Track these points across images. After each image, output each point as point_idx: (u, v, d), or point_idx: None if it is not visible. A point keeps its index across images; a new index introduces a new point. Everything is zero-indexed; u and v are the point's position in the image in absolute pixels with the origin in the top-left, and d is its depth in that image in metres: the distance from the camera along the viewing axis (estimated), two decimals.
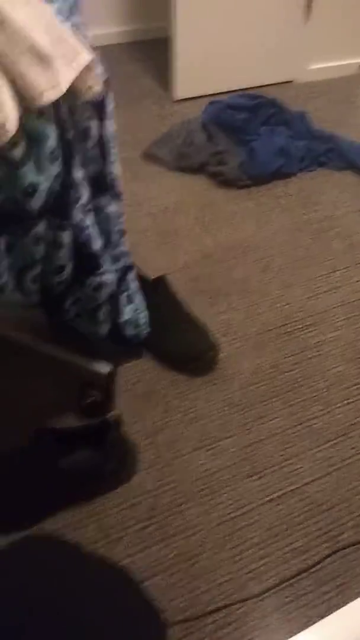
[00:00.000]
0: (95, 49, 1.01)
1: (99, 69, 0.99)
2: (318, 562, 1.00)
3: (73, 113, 0.93)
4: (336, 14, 2.31)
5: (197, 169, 1.85)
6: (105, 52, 2.59)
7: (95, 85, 0.94)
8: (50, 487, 1.00)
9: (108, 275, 1.08)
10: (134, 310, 1.20)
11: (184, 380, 1.27)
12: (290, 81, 2.41)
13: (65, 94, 0.85)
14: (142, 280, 1.29)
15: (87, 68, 0.90)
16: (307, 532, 1.05)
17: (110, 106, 1.05)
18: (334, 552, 1.02)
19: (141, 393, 1.24)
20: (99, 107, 1.00)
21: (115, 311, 1.16)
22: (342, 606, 0.95)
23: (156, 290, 1.32)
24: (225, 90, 2.25)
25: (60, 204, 0.91)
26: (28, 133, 0.80)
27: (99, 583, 0.56)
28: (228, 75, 2.26)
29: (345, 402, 1.25)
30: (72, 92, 0.89)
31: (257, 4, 2.14)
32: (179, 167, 1.86)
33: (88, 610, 0.50)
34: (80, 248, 0.98)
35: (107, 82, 1.04)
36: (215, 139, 1.90)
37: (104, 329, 1.14)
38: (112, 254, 1.12)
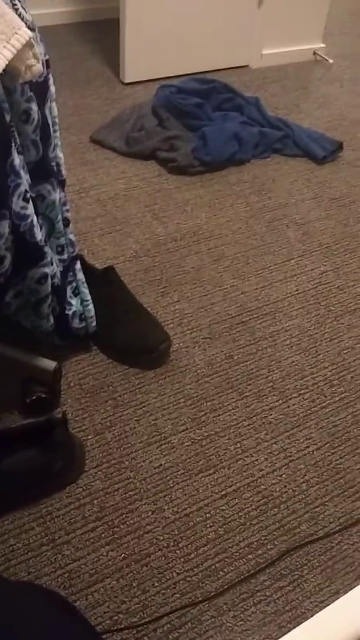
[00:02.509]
0: (41, 29, 0.95)
1: (39, 48, 0.93)
2: (274, 557, 0.99)
3: (11, 94, 0.88)
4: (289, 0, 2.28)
5: (148, 155, 1.80)
6: (53, 32, 2.54)
7: (35, 65, 0.88)
8: None
9: (52, 267, 1.03)
10: (81, 303, 1.15)
11: (135, 374, 1.23)
12: (244, 66, 2.38)
13: (1, 73, 0.79)
14: (90, 270, 1.25)
15: (26, 46, 0.84)
16: (263, 525, 1.03)
17: (52, 88, 1.00)
18: (290, 547, 1.00)
19: (89, 388, 1.19)
20: (39, 89, 0.94)
21: (61, 304, 1.11)
22: (299, 600, 0.94)
23: (105, 281, 1.27)
24: (178, 74, 2.20)
25: None
26: None
27: (22, 610, 0.52)
28: (180, 58, 2.21)
29: (301, 392, 1.23)
30: (9, 72, 0.83)
31: None
32: (129, 152, 1.81)
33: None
34: (21, 238, 0.93)
35: (48, 62, 0.99)
36: (167, 123, 1.85)
37: (49, 322, 1.09)
38: (56, 243, 1.07)
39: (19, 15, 0.89)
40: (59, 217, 1.06)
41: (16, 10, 0.89)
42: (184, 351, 1.29)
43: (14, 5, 0.89)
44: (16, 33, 0.83)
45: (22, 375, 1.13)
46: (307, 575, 0.97)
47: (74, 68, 2.22)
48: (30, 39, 0.84)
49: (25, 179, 0.91)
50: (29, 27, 0.86)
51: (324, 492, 1.07)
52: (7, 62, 0.81)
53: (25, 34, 0.84)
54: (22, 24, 0.84)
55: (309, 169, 1.86)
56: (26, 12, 0.93)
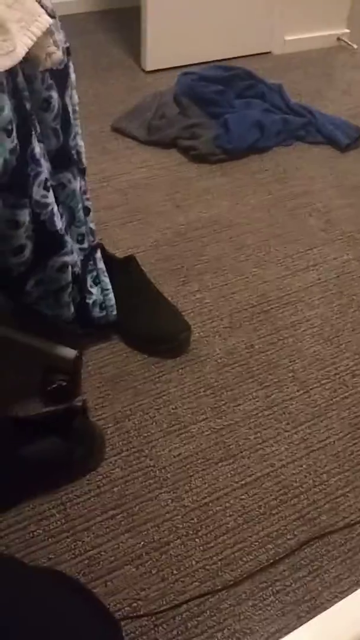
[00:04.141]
0: (63, 18, 0.95)
1: (59, 35, 0.93)
2: (294, 547, 0.98)
3: (31, 82, 0.87)
4: None
5: (169, 143, 1.79)
6: (74, 21, 2.53)
7: (55, 53, 0.88)
8: (13, 477, 0.96)
9: (72, 255, 1.03)
10: (101, 292, 1.15)
11: (155, 363, 1.23)
12: (267, 52, 2.35)
13: (22, 61, 0.79)
14: (110, 259, 1.25)
15: (47, 33, 0.84)
16: (282, 515, 1.02)
17: (72, 75, 0.99)
18: (310, 537, 0.99)
19: (110, 377, 1.19)
20: (60, 77, 0.94)
21: (81, 293, 1.11)
22: (319, 591, 0.93)
23: (125, 270, 1.27)
24: (199, 61, 2.18)
25: (17, 180, 0.85)
26: None
27: (38, 595, 0.52)
28: (202, 45, 2.19)
29: (322, 382, 1.22)
30: (29, 59, 0.83)
31: None
32: (150, 141, 1.80)
33: (32, 625, 0.46)
34: (41, 227, 0.93)
35: (68, 50, 0.98)
36: (188, 111, 1.84)
37: (69, 311, 1.09)
38: (77, 232, 1.07)
39: (39, 2, 0.88)
40: (80, 205, 1.06)
41: None
42: (204, 340, 1.28)
43: None
44: (36, 20, 0.83)
45: (43, 363, 1.14)
46: (327, 566, 0.96)
47: (95, 56, 2.22)
48: (50, 26, 0.84)
49: (45, 167, 0.91)
50: (49, 15, 0.85)
51: (344, 483, 1.07)
52: (27, 50, 0.81)
53: (46, 21, 0.83)
54: (42, 11, 0.84)
55: (332, 157, 1.84)
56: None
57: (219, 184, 1.70)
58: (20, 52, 0.80)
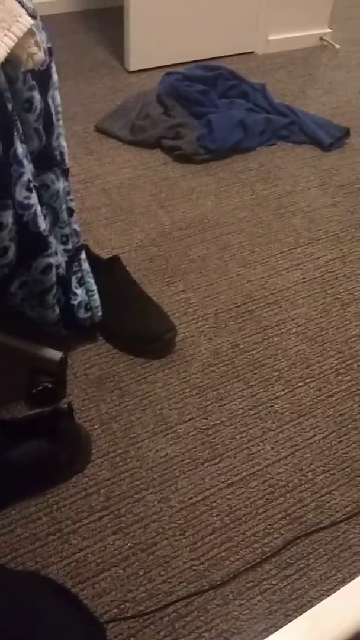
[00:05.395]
0: (45, 18, 0.94)
1: (41, 36, 0.92)
2: (280, 546, 0.99)
3: (13, 83, 0.87)
4: None
5: (153, 143, 1.79)
6: (57, 21, 2.51)
7: (37, 53, 0.88)
8: None
9: (56, 257, 1.03)
10: (86, 293, 1.15)
11: (141, 364, 1.23)
12: (250, 52, 2.35)
13: (3, 62, 0.79)
14: (95, 260, 1.24)
15: (28, 34, 0.84)
16: (269, 514, 1.03)
17: (54, 76, 0.99)
18: (297, 536, 1.00)
19: (95, 378, 1.19)
20: (42, 77, 0.93)
21: (66, 294, 1.11)
22: (306, 589, 0.94)
23: (110, 271, 1.27)
24: (183, 61, 2.18)
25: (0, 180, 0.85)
26: None
27: (20, 599, 0.52)
28: (185, 45, 2.19)
29: (307, 381, 1.23)
30: (11, 60, 0.82)
31: None
32: (134, 141, 1.80)
33: (14, 630, 0.46)
34: (25, 228, 0.93)
35: (50, 50, 0.98)
36: (172, 111, 1.84)
37: (54, 313, 1.08)
38: (60, 233, 1.06)
39: (20, 2, 0.88)
40: (63, 206, 1.05)
41: None
42: (190, 340, 1.28)
43: None
44: (17, 21, 0.82)
45: (28, 365, 1.13)
46: (313, 564, 0.97)
47: (79, 57, 2.21)
48: (31, 26, 0.83)
49: (28, 168, 0.91)
50: (30, 15, 0.84)
51: (330, 481, 1.07)
52: (8, 51, 0.81)
53: (27, 21, 0.83)
54: (23, 11, 0.83)
55: (315, 156, 1.85)
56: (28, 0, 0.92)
57: (203, 183, 1.70)
58: (1, 53, 0.79)
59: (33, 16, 0.89)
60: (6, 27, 0.82)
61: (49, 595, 0.62)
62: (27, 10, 0.86)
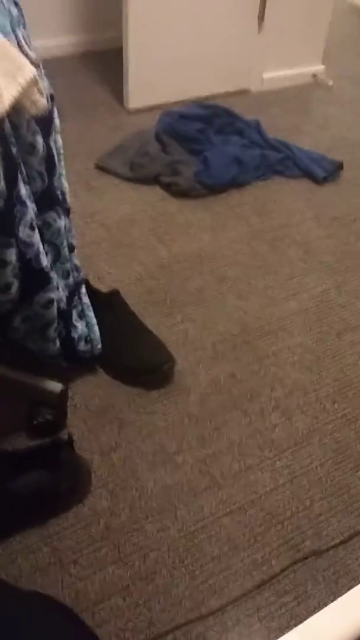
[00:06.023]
0: (47, 60, 0.99)
1: (44, 83, 0.97)
2: (279, 573, 1.00)
3: (17, 129, 0.91)
4: (289, 24, 2.34)
5: (152, 180, 1.85)
6: (58, 63, 2.60)
7: (40, 100, 0.93)
8: (1, 511, 0.98)
9: (58, 292, 1.07)
10: (86, 325, 1.18)
11: (140, 394, 1.25)
12: (245, 90, 2.43)
13: (8, 109, 0.83)
14: (95, 294, 1.28)
15: (31, 83, 0.89)
16: (267, 542, 1.04)
17: (56, 121, 1.04)
18: (295, 562, 1.01)
19: (95, 409, 1.22)
20: (44, 122, 0.98)
21: (67, 327, 1.14)
22: (304, 616, 0.95)
23: (109, 304, 1.30)
24: (180, 99, 2.26)
25: (4, 221, 0.89)
26: None
27: (29, 619, 0.54)
28: (182, 84, 2.26)
29: (303, 409, 1.25)
30: (15, 107, 0.87)
31: (210, 14, 2.16)
32: (133, 177, 1.85)
33: None
34: (28, 265, 0.96)
35: (52, 96, 1.03)
36: (170, 149, 1.90)
37: (55, 346, 1.12)
38: (62, 269, 1.10)
39: (24, 53, 0.93)
40: (65, 243, 1.09)
41: (21, 48, 0.94)
42: (188, 371, 1.31)
43: (19, 43, 0.93)
44: (21, 71, 0.88)
45: (29, 397, 1.16)
46: (311, 591, 0.98)
47: (79, 97, 2.28)
48: (35, 75, 0.89)
49: (31, 208, 0.95)
50: (33, 64, 0.90)
51: (327, 508, 1.09)
52: (13, 100, 0.85)
53: (30, 71, 0.88)
54: (27, 61, 0.88)
55: (309, 189, 1.90)
56: (30, 49, 0.97)
57: (200, 218, 1.75)
58: (7, 102, 0.84)
59: (36, 65, 0.94)
60: (11, 78, 0.87)
61: (50, 610, 0.64)
62: (30, 60, 0.91)
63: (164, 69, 2.19)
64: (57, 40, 2.55)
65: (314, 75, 2.53)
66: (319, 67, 2.54)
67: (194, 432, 1.19)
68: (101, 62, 2.53)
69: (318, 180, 1.92)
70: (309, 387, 1.30)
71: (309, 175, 1.93)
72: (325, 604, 0.96)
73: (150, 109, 2.20)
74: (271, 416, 1.24)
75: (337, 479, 1.14)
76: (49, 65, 0.99)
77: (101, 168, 1.90)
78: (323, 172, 1.92)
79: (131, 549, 1.01)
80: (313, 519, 1.08)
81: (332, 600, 0.96)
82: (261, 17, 2.27)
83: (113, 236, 1.66)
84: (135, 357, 1.26)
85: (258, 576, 1.00)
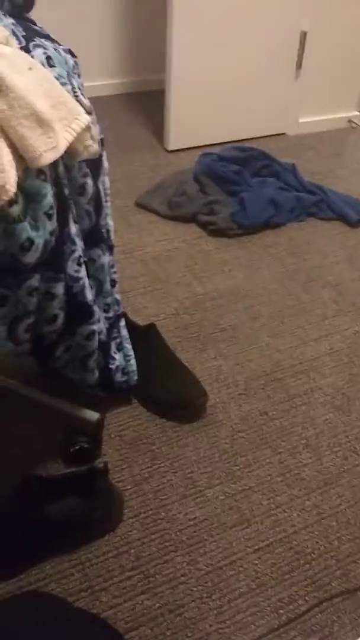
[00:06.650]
0: (92, 100, 1.05)
1: (95, 129, 1.04)
2: (305, 612, 1.00)
3: (70, 171, 0.97)
4: (326, 70, 2.41)
5: (189, 219, 1.90)
6: (102, 103, 2.70)
7: (91, 145, 0.98)
8: (35, 536, 1.00)
9: (99, 324, 1.11)
10: (124, 357, 1.22)
11: (173, 427, 1.28)
12: (282, 134, 2.50)
13: (63, 154, 0.89)
14: (132, 327, 1.32)
15: (85, 129, 0.95)
16: (294, 581, 1.05)
17: (105, 163, 1.10)
18: (321, 602, 1.01)
19: (129, 440, 1.25)
20: (94, 165, 1.04)
21: (105, 358, 1.18)
22: None
23: (146, 338, 1.34)
24: (219, 141, 2.33)
25: (55, 257, 0.94)
26: (26, 191, 0.84)
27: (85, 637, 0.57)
28: (221, 127, 2.34)
29: (334, 450, 1.26)
30: (69, 152, 0.93)
31: (250, 60, 2.24)
32: (171, 216, 1.91)
33: None
34: (73, 298, 1.01)
35: (102, 141, 1.09)
36: (207, 189, 1.96)
37: (94, 376, 1.16)
38: (103, 302, 1.15)
39: (79, 101, 1.00)
40: (107, 278, 1.14)
41: (76, 96, 1.00)
42: (220, 406, 1.34)
43: (74, 93, 1.00)
44: (76, 119, 0.94)
45: (66, 425, 1.19)
46: (338, 632, 0.98)
47: (121, 136, 2.38)
48: (88, 123, 0.95)
49: (79, 245, 1.00)
50: (87, 112, 0.96)
51: (356, 550, 1.09)
52: (68, 144, 0.92)
53: (85, 119, 0.94)
54: (82, 110, 0.95)
55: (343, 232, 1.93)
56: (85, 97, 1.04)
57: (235, 256, 1.79)
58: (63, 147, 0.90)
59: (89, 113, 1.01)
60: (67, 124, 0.93)
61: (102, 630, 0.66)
62: (84, 108, 0.98)
63: (204, 112, 2.27)
64: (101, 81, 2.67)
65: (350, 121, 2.60)
66: (354, 113, 2.60)
67: (224, 467, 1.21)
68: (143, 103, 2.63)
69: (352, 223, 1.95)
70: (340, 427, 1.31)
71: (343, 218, 1.97)
72: None
73: (190, 150, 2.27)
74: (301, 455, 1.25)
75: None
76: (93, 105, 1.05)
77: (141, 206, 1.96)
78: (357, 216, 1.96)
79: (161, 580, 1.03)
80: (341, 560, 1.08)
81: None
82: (299, 63, 2.35)
83: (150, 271, 1.71)
84: (170, 391, 1.29)
85: (285, 615, 1.00)
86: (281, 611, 1.01)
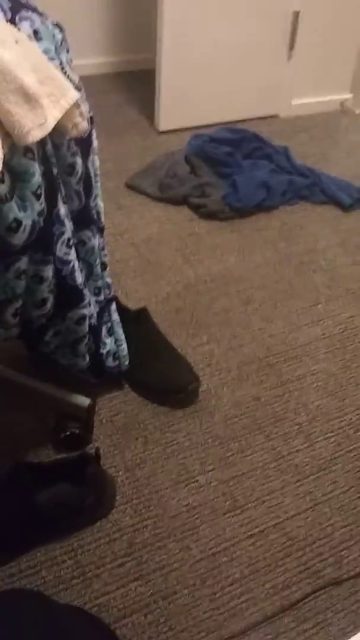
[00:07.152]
0: (81, 79, 1.02)
1: (85, 107, 1.00)
2: (299, 599, 1.00)
3: (58, 149, 0.94)
4: (318, 52, 2.38)
5: (180, 201, 1.87)
6: (91, 82, 2.65)
7: (81, 123, 0.95)
8: (26, 523, 0.99)
9: (90, 308, 1.09)
10: (115, 342, 1.20)
11: (165, 413, 1.26)
12: (274, 116, 2.47)
13: (51, 131, 0.86)
14: (123, 311, 1.30)
15: (74, 106, 0.92)
16: (288, 568, 1.04)
17: (94, 142, 1.07)
18: (316, 590, 1.01)
19: (121, 425, 1.23)
20: (84, 144, 1.01)
21: (96, 343, 1.16)
22: None
23: (137, 322, 1.32)
24: (210, 123, 2.30)
25: (43, 238, 0.91)
26: (13, 170, 0.81)
27: (68, 630, 0.55)
28: (212, 108, 2.30)
29: (327, 435, 1.25)
30: (58, 129, 0.90)
31: (242, 40, 2.20)
32: (162, 198, 1.88)
33: None
34: (63, 281, 0.98)
35: (92, 119, 1.06)
36: (199, 171, 1.93)
37: (85, 361, 1.13)
38: (94, 286, 1.12)
39: (67, 77, 0.96)
40: (98, 261, 1.11)
41: (65, 73, 0.97)
42: (213, 392, 1.32)
43: (62, 68, 0.97)
44: (65, 95, 0.91)
45: (57, 411, 1.17)
46: (332, 619, 0.98)
47: (111, 117, 2.33)
48: (77, 99, 0.92)
49: (69, 226, 0.97)
50: (76, 88, 0.93)
51: (349, 536, 1.09)
52: (56, 121, 0.88)
53: (74, 95, 0.91)
54: (71, 86, 0.91)
55: (335, 216, 1.91)
56: (73, 73, 1.00)
57: (227, 240, 1.77)
58: (51, 124, 0.87)
59: (78, 89, 0.97)
60: (55, 101, 0.90)
61: (92, 628, 0.65)
62: (73, 84, 0.94)
63: (196, 92, 2.23)
64: (90, 59, 2.61)
65: (342, 103, 2.57)
66: (347, 96, 2.57)
67: (217, 453, 1.20)
68: (132, 83, 2.59)
69: (344, 207, 1.93)
70: (333, 413, 1.30)
71: (336, 201, 1.95)
72: (346, 633, 0.96)
73: (181, 131, 2.23)
74: (294, 441, 1.24)
75: (359, 507, 1.13)
76: (82, 85, 1.02)
77: (131, 187, 1.93)
78: (349, 199, 1.94)
79: (153, 567, 1.02)
80: (334, 546, 1.07)
81: (352, 630, 0.96)
82: (291, 45, 2.31)
83: (141, 255, 1.68)
84: (162, 377, 1.27)
85: (278, 602, 1.00)
86: (275, 598, 1.00)
